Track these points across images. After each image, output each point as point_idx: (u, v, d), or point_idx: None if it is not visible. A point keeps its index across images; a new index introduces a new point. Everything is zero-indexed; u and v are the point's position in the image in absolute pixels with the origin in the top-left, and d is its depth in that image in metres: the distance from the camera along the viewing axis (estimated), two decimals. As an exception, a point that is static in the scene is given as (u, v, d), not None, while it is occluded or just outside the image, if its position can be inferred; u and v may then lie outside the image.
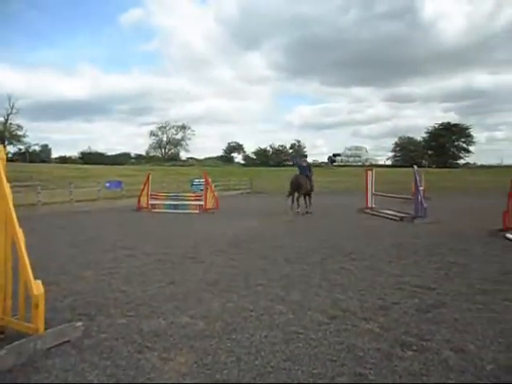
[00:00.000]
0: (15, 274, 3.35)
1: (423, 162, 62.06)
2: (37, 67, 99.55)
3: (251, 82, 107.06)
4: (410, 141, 67.39)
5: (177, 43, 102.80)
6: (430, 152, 66.23)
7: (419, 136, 67.82)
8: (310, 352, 3.06)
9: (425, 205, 11.46)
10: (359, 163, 62.51)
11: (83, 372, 2.81)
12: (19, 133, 59.23)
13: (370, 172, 15.49)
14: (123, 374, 2.77)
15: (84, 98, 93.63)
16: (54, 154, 68.01)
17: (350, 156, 67.40)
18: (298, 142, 72.12)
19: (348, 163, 63.51)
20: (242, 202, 22.10)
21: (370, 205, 14.88)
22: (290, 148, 71.75)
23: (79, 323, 3.49)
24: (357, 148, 68.80)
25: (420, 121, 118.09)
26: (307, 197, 14.34)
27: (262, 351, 3.09)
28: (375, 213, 13.64)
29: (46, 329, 3.22)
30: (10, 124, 58.23)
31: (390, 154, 69.91)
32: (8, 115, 57.04)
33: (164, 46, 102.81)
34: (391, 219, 11.98)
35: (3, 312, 3.33)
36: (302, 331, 3.46)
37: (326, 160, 69.70)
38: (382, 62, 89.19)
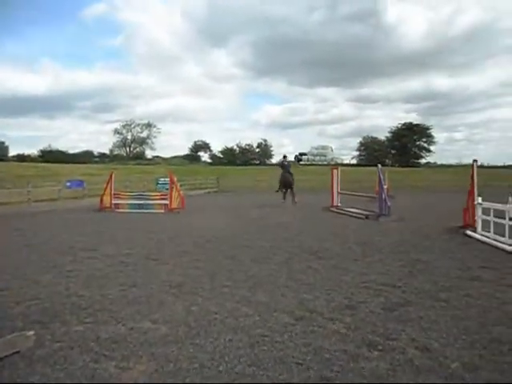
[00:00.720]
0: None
1: (387, 161, 63.54)
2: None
3: (218, 79, 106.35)
4: (374, 140, 68.85)
5: (143, 39, 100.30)
6: (393, 151, 67.89)
7: (383, 136, 69.47)
8: (276, 355, 2.97)
9: (388, 203, 11.66)
10: (325, 162, 63.23)
11: (33, 386, 2.61)
12: (-27, 130, 56.40)
13: (335, 171, 15.66)
14: (77, 387, 2.59)
15: (44, 94, 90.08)
16: (12, 152, 65.13)
17: (316, 155, 68.07)
18: (265, 141, 72.17)
19: (314, 162, 64.19)
20: (209, 201, 21.88)
21: (335, 203, 15.03)
22: (257, 147, 71.72)
23: (30, 332, 3.25)
24: (323, 147, 69.53)
25: (383, 121, 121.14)
26: (290, 190, 16.86)
27: (225, 356, 2.97)
28: (340, 211, 13.78)
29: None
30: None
31: (355, 154, 71.23)
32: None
33: (129, 42, 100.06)
34: (356, 217, 12.12)
35: None
36: (267, 334, 3.37)
37: (292, 159, 70.31)
38: (346, 63, 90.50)
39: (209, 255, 6.74)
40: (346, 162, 65.94)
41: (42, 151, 65.26)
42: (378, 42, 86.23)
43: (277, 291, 4.63)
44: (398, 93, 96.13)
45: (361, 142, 70.10)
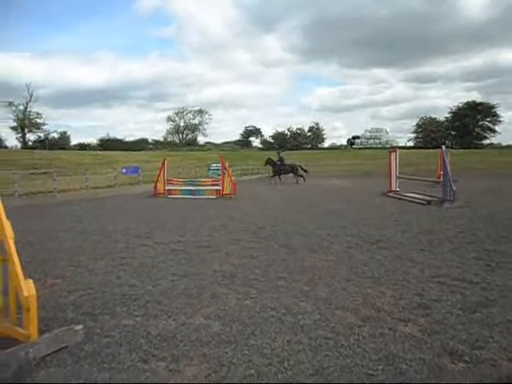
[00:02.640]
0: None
1: (446, 142, 60.23)
2: (55, 55, 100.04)
3: (268, 64, 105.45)
4: (432, 121, 65.39)
5: (194, 28, 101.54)
6: (453, 133, 64.26)
7: (441, 116, 65.85)
8: (342, 363, 2.61)
9: (454, 187, 10.79)
10: (379, 145, 61.09)
11: (78, 387, 2.43)
12: (38, 120, 59.67)
13: (393, 153, 14.81)
14: (123, 391, 2.37)
15: (102, 85, 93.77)
16: (73, 141, 68.37)
17: (370, 138, 65.94)
18: (317, 124, 70.78)
19: (368, 145, 62.19)
20: (260, 186, 21.63)
21: (393, 188, 14.24)
22: (309, 131, 70.55)
23: (79, 326, 3.10)
24: (377, 130, 67.18)
25: (441, 101, 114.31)
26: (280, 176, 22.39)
27: (285, 361, 2.65)
28: (400, 196, 13.00)
29: (42, 332, 2.87)
30: (30, 112, 58.69)
31: (411, 136, 68.12)
32: (27, 103, 57.50)
33: (181, 31, 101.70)
34: (418, 203, 11.35)
35: (-5, 314, 2.98)
36: (330, 336, 3.01)
37: (345, 143, 68.56)
38: (401, 41, 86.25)
39: (262, 243, 6.44)
40: (401, 144, 63.32)
41: (100, 140, 68.06)
42: (435, 16, 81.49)
43: (337, 285, 4.24)
44: (458, 71, 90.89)
45: (417, 124, 66.90)
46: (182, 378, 2.48)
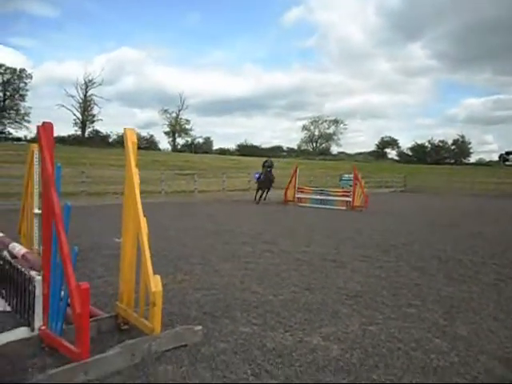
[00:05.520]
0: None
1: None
2: (205, 68, 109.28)
3: (411, 73, 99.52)
4: None
5: (335, 37, 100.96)
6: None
7: None
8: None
9: None
10: (541, 163, 53.11)
11: (191, 391, 2.42)
12: (187, 126, 66.20)
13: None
14: (231, 406, 2.28)
15: (245, 95, 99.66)
16: (215, 146, 73.94)
17: (529, 154, 57.67)
18: (462, 137, 64.58)
19: (525, 163, 54.54)
20: (394, 200, 20.40)
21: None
22: (453, 144, 64.81)
23: (199, 327, 3.14)
24: (538, 145, 58.50)
25: None
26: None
27: (412, 408, 2.29)
28: None
29: (165, 327, 2.99)
30: (180, 119, 65.45)
31: None
32: (179, 111, 64.23)
33: (322, 41, 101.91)
34: None
35: (128, 304, 3.18)
36: (471, 387, 2.53)
37: (496, 158, 61.23)
38: None
39: (393, 263, 5.94)
40: None
41: (238, 146, 72.33)
42: None
43: (482, 323, 3.62)
44: None
45: None
46: (293, 404, 2.31)
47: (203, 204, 14.89)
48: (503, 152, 60.44)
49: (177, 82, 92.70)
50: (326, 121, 73.69)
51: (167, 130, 68.17)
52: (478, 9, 77.51)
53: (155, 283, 2.87)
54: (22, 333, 2.94)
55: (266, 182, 16.16)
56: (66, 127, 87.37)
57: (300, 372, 2.66)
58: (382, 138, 72.96)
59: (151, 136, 67.06)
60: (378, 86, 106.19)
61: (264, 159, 17.62)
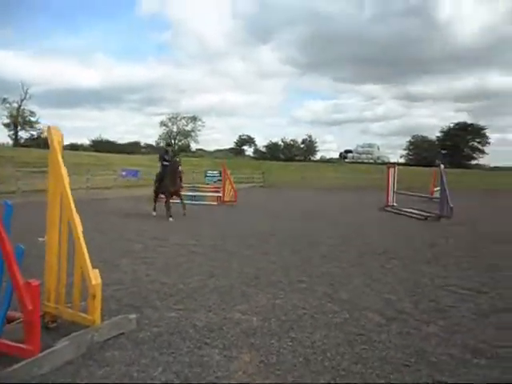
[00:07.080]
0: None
1: (436, 161, 61.39)
2: (51, 54, 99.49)
3: (263, 75, 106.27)
4: (424, 140, 66.72)
5: (191, 35, 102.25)
6: (443, 151, 65.51)
7: (431, 135, 67.31)
8: (379, 355, 2.93)
9: (451, 205, 11.24)
10: (371, 160, 62.05)
11: (146, 368, 2.70)
12: (32, 119, 59.43)
13: (392, 169, 15.25)
14: (190, 372, 2.65)
15: (96, 87, 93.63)
16: (65, 141, 68.08)
17: (362, 153, 66.87)
18: (310, 137, 71.62)
19: (359, 160, 63.06)
20: (257, 195, 21.94)
21: (390, 203, 14.67)
22: (302, 143, 71.36)
23: (133, 315, 3.38)
24: (369, 145, 68.20)
25: (431, 120, 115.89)
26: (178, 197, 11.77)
27: (327, 352, 2.96)
28: (397, 211, 13.42)
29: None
30: (23, 110, 58.42)
31: (402, 152, 69.35)
32: (21, 101, 57.23)
33: (178, 37, 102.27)
34: (416, 218, 11.77)
35: (57, 301, 3.23)
36: (362, 332, 3.33)
37: (335, 156, 69.42)
38: (395, 60, 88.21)
39: (276, 249, 6.74)
40: (392, 160, 64.19)
41: (92, 141, 67.84)
42: (429, 38, 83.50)
43: (357, 289, 4.56)
44: (448, 91, 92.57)
45: (410, 141, 68.13)
46: (239, 363, 2.77)
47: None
48: (342, 150, 69.02)
49: (16, 67, 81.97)
50: (184, 117, 73.82)
51: (7, 121, 60.30)
52: (322, 21, 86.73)
53: (95, 277, 3.03)
54: None
55: (171, 179, 10.96)
56: None
57: (233, 339, 3.15)
58: (240, 135, 76.48)
59: (-14, 128, 58.65)
60: (233, 86, 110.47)
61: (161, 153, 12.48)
